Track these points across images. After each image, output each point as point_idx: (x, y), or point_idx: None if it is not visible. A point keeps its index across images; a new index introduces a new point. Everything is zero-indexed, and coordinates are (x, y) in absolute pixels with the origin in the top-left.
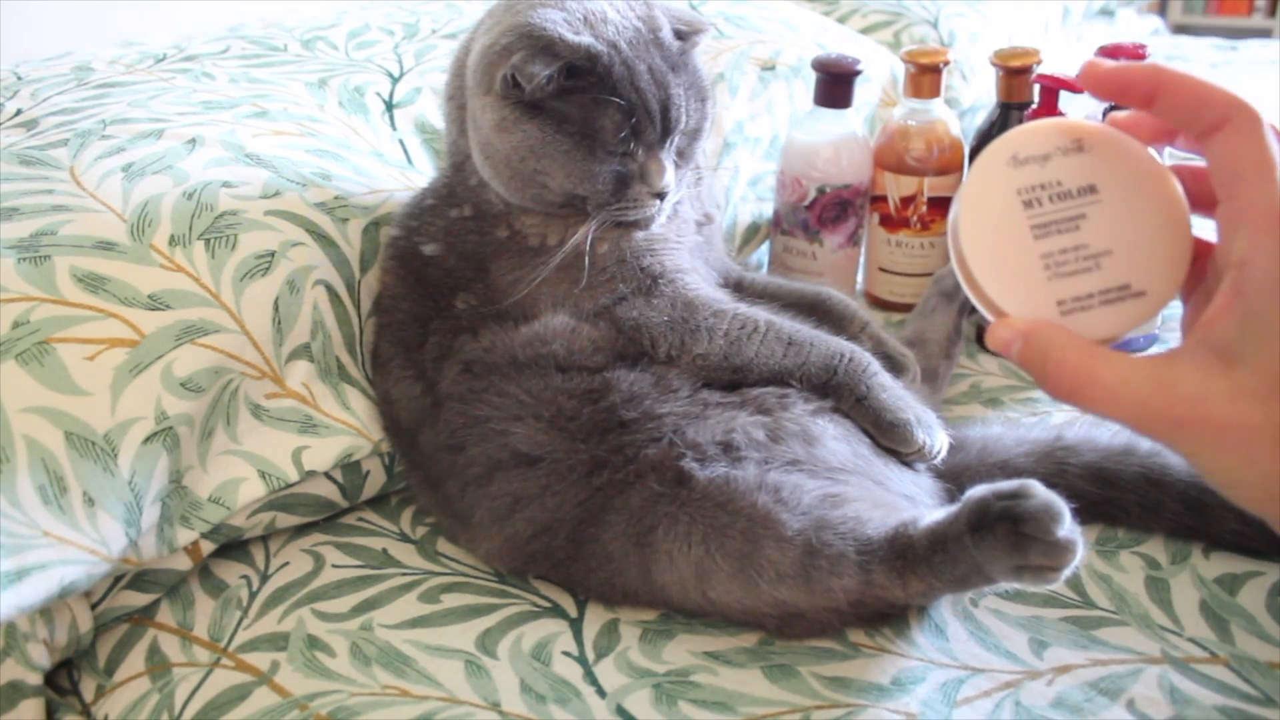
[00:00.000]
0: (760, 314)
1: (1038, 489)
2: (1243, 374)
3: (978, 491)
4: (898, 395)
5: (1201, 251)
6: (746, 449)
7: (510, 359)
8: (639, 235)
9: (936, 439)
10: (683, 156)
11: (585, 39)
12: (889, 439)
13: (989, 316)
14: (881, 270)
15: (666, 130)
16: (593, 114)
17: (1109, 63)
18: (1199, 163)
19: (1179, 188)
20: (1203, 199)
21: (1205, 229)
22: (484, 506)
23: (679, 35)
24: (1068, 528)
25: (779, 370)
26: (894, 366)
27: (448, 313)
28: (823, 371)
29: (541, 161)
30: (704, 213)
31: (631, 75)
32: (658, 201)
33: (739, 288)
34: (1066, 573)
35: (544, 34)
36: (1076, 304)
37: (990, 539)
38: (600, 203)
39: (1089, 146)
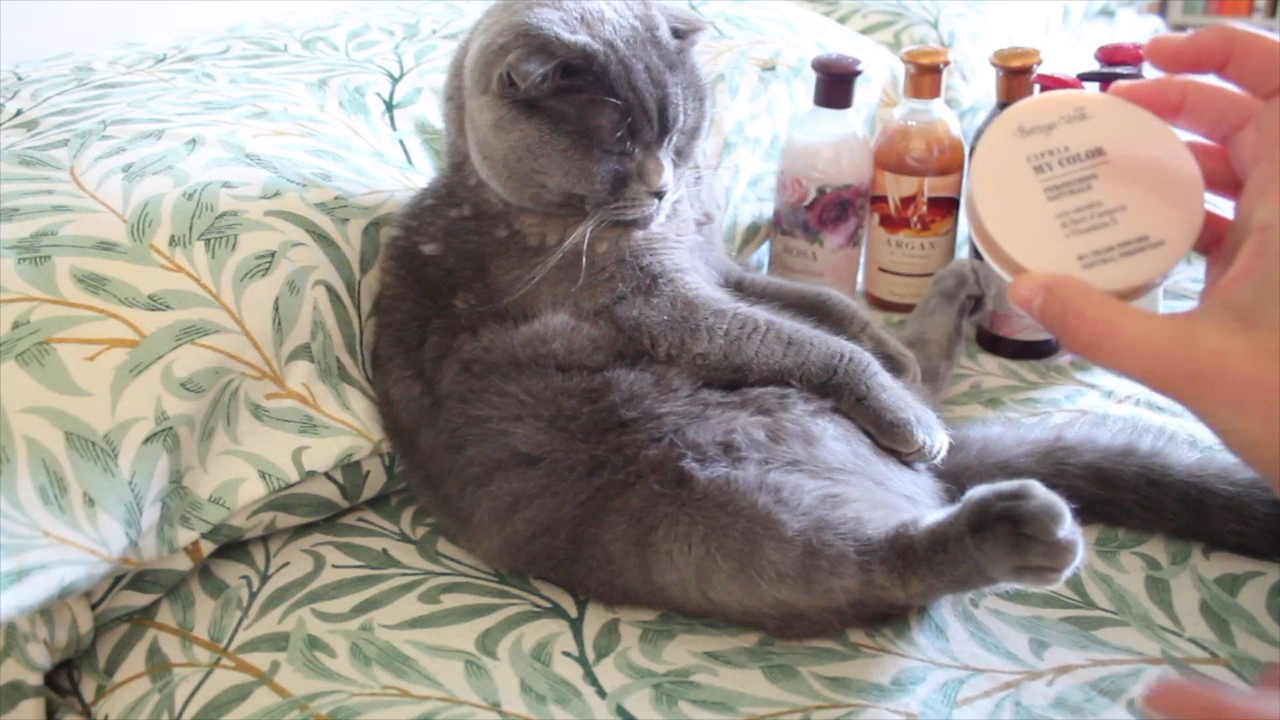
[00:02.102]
0: (760, 313)
1: (1038, 489)
2: (1262, 334)
3: (978, 492)
4: (898, 395)
5: (1219, 223)
6: (747, 449)
7: (510, 358)
8: (638, 234)
9: (936, 439)
10: (681, 155)
11: (581, 38)
12: (889, 439)
13: (1008, 277)
14: (882, 270)
15: (664, 129)
16: (589, 113)
17: (1178, 36)
18: (1208, 143)
19: (1182, 142)
20: (1214, 177)
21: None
22: (484, 507)
23: (677, 34)
24: (1068, 528)
25: (779, 370)
26: (894, 367)
27: (447, 313)
28: (823, 371)
29: (539, 161)
30: (704, 212)
31: (628, 74)
32: (656, 201)
33: (739, 288)
34: (1067, 573)
35: (540, 33)
36: (1097, 257)
37: (991, 539)
38: (598, 202)
39: (1091, 113)
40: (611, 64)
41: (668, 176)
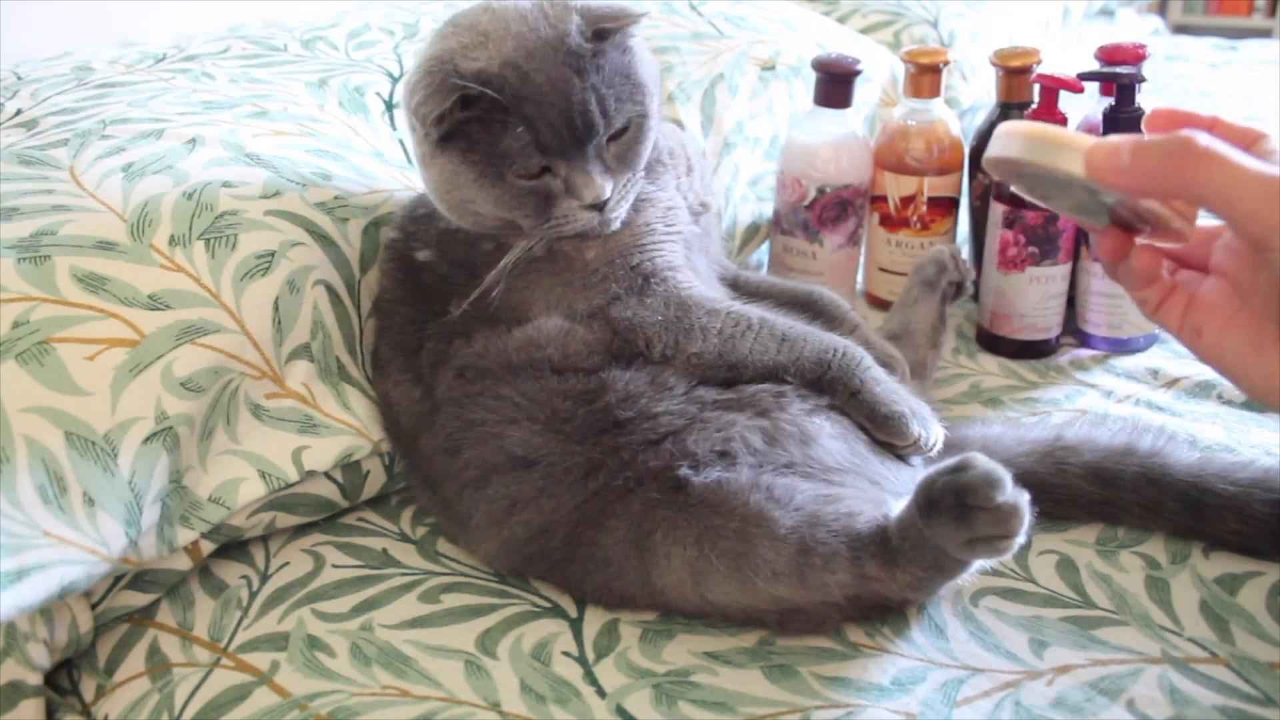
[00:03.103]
0: (754, 311)
1: (978, 459)
2: None
3: (926, 473)
4: (891, 389)
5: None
6: (743, 455)
7: (504, 362)
8: (626, 233)
9: (932, 431)
10: (622, 161)
11: (478, 64)
12: (884, 432)
13: (1076, 160)
14: (881, 270)
15: (578, 140)
16: (496, 138)
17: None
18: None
19: None
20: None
21: None
22: (481, 509)
23: (600, 34)
24: (1009, 493)
25: (773, 366)
26: (883, 367)
27: (443, 318)
28: (816, 367)
29: (462, 191)
30: (700, 201)
31: (528, 90)
32: (595, 214)
33: (735, 286)
34: (1019, 539)
35: (440, 69)
36: None
37: (938, 516)
38: (531, 224)
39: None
40: (508, 85)
41: (599, 188)
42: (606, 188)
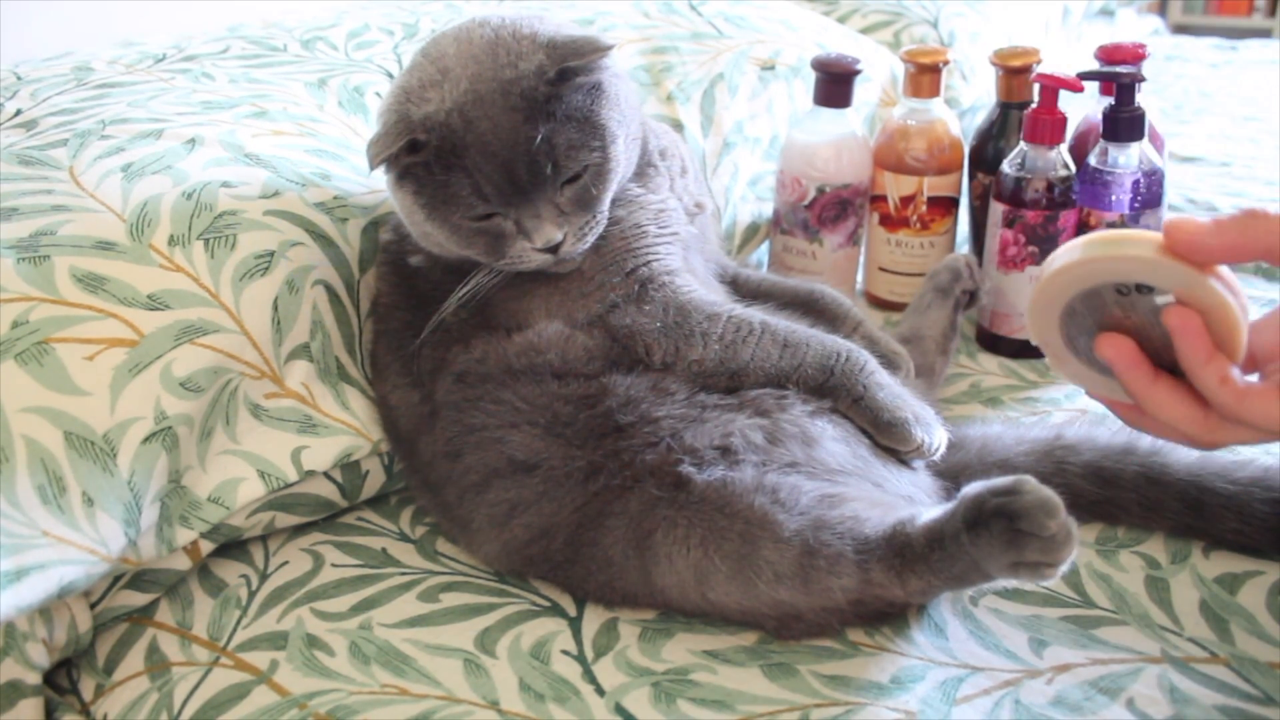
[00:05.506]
0: (755, 315)
1: (1032, 484)
2: None
3: (974, 488)
4: (895, 393)
5: None
6: (744, 452)
7: (505, 367)
8: (616, 237)
9: (935, 436)
10: (578, 204)
11: (427, 108)
12: (887, 438)
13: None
14: (881, 270)
15: (522, 188)
16: (441, 182)
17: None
18: None
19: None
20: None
21: None
22: (482, 513)
23: (565, 74)
24: (1063, 522)
25: (776, 373)
26: (888, 365)
27: (438, 325)
28: (819, 372)
29: (419, 226)
30: (694, 202)
31: (473, 138)
32: (549, 255)
33: (734, 285)
34: (1063, 568)
35: (393, 110)
36: None
37: (986, 536)
38: (487, 260)
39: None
40: (452, 133)
41: (549, 233)
42: (558, 233)
